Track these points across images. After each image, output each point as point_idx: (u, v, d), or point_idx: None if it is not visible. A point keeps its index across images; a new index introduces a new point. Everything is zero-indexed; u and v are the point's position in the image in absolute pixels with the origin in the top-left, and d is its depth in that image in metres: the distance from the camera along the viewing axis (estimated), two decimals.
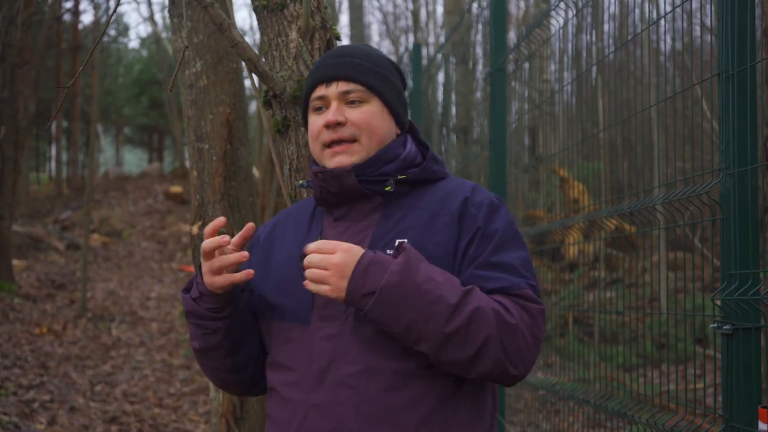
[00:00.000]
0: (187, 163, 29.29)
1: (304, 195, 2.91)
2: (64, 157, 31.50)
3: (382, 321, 1.98)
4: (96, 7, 29.11)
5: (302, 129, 2.87)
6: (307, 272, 2.02)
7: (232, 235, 3.78)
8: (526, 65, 5.72)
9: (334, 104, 2.22)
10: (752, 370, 2.60)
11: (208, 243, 2.09)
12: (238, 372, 2.31)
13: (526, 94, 6.28)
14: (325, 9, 2.99)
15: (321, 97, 2.24)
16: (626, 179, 6.22)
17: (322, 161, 2.24)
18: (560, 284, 10.38)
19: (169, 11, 4.01)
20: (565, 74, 5.97)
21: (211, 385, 3.85)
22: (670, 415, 3.23)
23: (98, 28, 28.11)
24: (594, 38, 6.88)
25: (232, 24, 2.83)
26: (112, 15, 2.64)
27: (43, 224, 20.54)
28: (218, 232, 2.12)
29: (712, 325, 2.71)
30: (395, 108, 2.29)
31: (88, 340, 11.27)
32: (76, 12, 27.44)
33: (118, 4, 2.57)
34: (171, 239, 20.28)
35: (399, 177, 2.21)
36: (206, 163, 3.80)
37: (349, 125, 2.20)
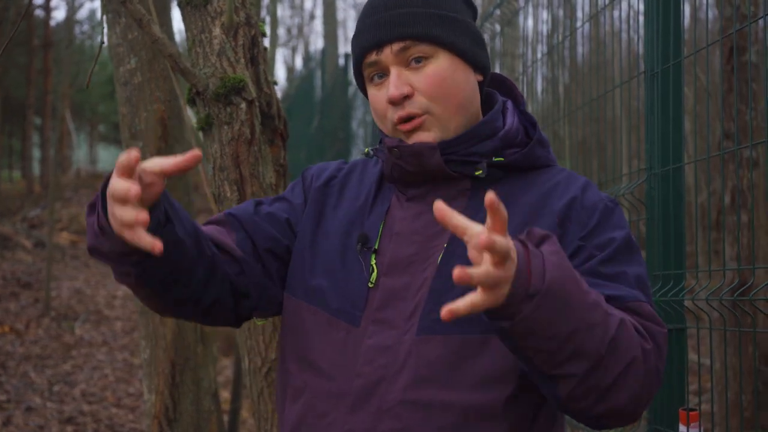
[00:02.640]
0: None
1: (228, 194, 2.86)
2: (37, 154, 31.26)
3: (536, 331, 1.41)
4: (71, 7, 28.93)
5: (225, 126, 2.82)
6: (481, 271, 1.30)
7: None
8: (498, 62, 5.71)
9: (393, 72, 1.73)
10: (674, 372, 2.58)
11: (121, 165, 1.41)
12: (175, 306, 1.76)
13: None
14: (250, 6, 2.94)
15: (374, 64, 1.76)
16: (596, 178, 6.22)
17: (397, 137, 1.78)
18: None
19: (103, 7, 3.94)
20: (539, 75, 5.95)
21: (144, 386, 3.80)
22: None
23: (69, 25, 27.90)
24: (565, 28, 6.86)
25: (152, 20, 2.77)
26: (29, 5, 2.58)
27: (12, 222, 20.37)
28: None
29: None
30: (471, 52, 1.78)
31: (50, 339, 11.16)
32: (47, 8, 27.22)
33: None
34: None
35: (494, 159, 1.75)
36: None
37: (417, 96, 1.72)
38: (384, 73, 1.75)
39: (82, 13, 32.65)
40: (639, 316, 1.57)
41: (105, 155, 47.41)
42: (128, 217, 1.40)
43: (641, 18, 3.09)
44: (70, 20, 28.34)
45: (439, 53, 1.73)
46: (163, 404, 3.71)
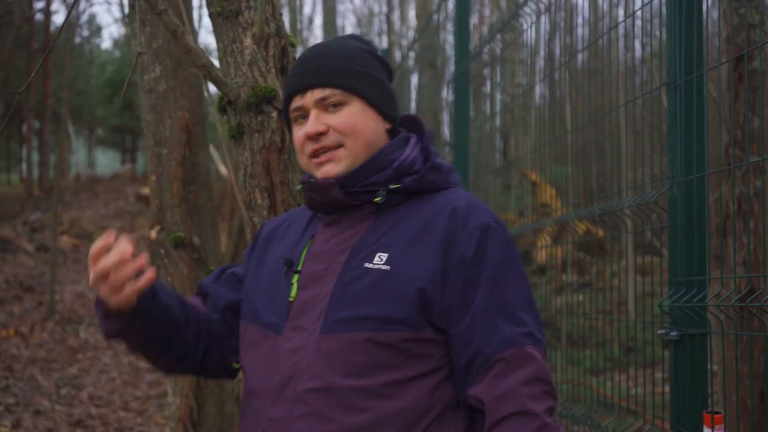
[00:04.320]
0: None
1: (259, 201, 2.92)
2: (36, 158, 31.27)
3: None
4: (68, 7, 28.90)
5: (256, 135, 2.88)
6: None
7: (190, 241, 3.78)
8: (498, 69, 5.76)
9: (312, 113, 2.07)
10: (698, 376, 2.64)
11: (108, 261, 1.90)
12: (176, 363, 2.22)
13: (499, 97, 6.31)
14: (280, 16, 3.01)
15: (299, 108, 2.10)
16: (596, 183, 6.26)
17: (311, 171, 2.11)
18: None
19: (129, 16, 4.00)
20: (537, 77, 6.00)
21: (169, 389, 3.85)
22: (633, 419, 3.26)
23: (71, 28, 27.93)
24: (562, 39, 6.93)
25: (186, 30, 2.83)
26: (68, 16, 2.64)
27: (12, 226, 20.38)
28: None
29: (660, 331, 2.75)
30: (379, 103, 2.12)
31: (55, 343, 11.20)
32: (47, 12, 27.26)
33: (73, 5, 2.57)
34: (141, 241, 20.18)
35: (391, 187, 2.06)
36: (165, 168, 3.80)
37: (331, 132, 2.06)
38: (306, 116, 2.09)
39: (82, 17, 32.58)
40: (506, 362, 1.88)
41: (103, 159, 47.39)
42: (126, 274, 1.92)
43: (639, 24, 3.16)
44: (70, 24, 28.34)
45: (352, 100, 2.08)
46: (188, 407, 3.76)
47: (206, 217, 3.89)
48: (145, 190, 23.88)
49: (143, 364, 10.32)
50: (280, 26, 2.98)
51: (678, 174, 2.70)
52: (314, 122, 2.06)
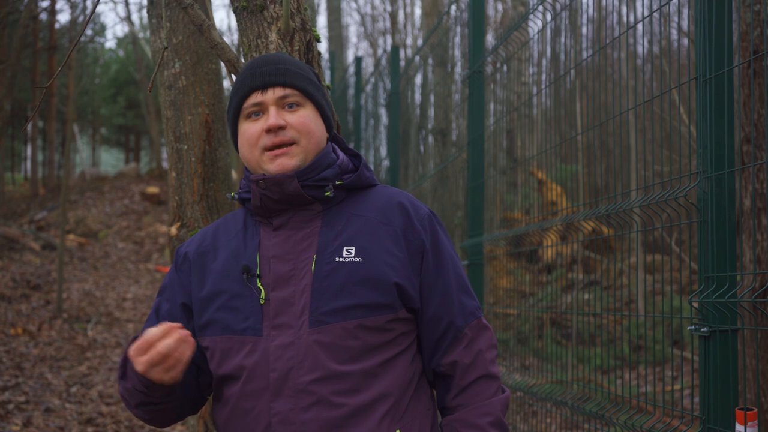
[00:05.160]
0: (165, 164, 29.39)
1: None
2: (40, 157, 31.28)
3: None
4: (73, 6, 28.90)
5: None
6: None
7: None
8: (505, 68, 5.74)
9: (272, 109, 2.23)
10: (729, 371, 2.62)
11: (169, 344, 2.00)
12: (180, 411, 2.31)
13: (504, 96, 6.29)
14: (305, 11, 2.99)
15: (258, 104, 2.25)
16: (603, 182, 6.24)
17: (262, 166, 2.25)
18: (537, 286, 10.41)
19: (147, 11, 3.99)
20: (543, 77, 5.98)
21: None
22: (647, 417, 3.25)
23: (75, 27, 27.94)
24: (572, 41, 6.90)
25: (212, 25, 2.82)
26: (90, 15, 2.62)
27: (18, 224, 20.38)
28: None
29: (689, 327, 2.73)
30: (326, 112, 2.34)
31: (63, 341, 11.19)
32: (52, 11, 27.26)
33: (96, 4, 2.55)
34: (147, 240, 20.20)
35: (337, 182, 2.26)
36: (185, 164, 3.78)
37: (289, 129, 2.23)
38: (261, 112, 2.25)
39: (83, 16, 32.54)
40: (472, 333, 2.24)
41: (107, 157, 47.41)
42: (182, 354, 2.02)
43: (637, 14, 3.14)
44: (74, 23, 28.33)
45: (307, 104, 2.28)
46: (209, 404, 3.75)
47: (226, 213, 3.87)
48: (151, 189, 23.90)
49: None
50: (305, 21, 2.96)
51: (708, 169, 2.68)
52: (275, 116, 2.22)
